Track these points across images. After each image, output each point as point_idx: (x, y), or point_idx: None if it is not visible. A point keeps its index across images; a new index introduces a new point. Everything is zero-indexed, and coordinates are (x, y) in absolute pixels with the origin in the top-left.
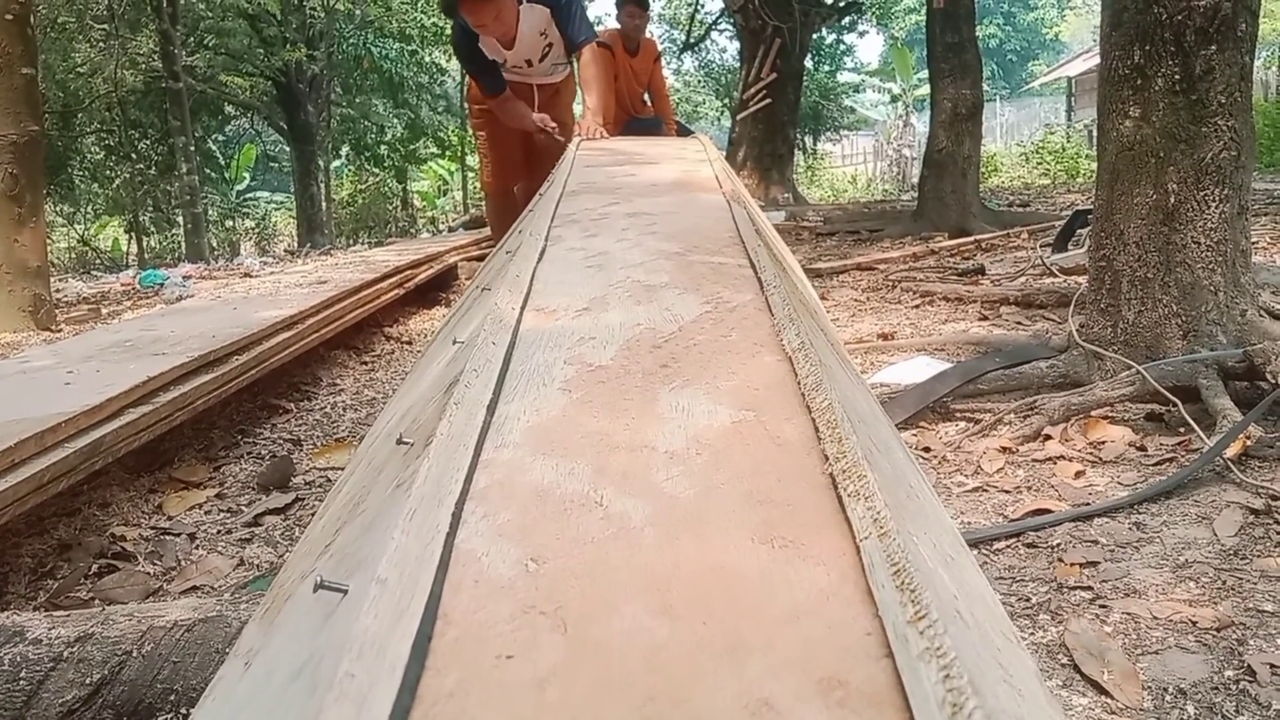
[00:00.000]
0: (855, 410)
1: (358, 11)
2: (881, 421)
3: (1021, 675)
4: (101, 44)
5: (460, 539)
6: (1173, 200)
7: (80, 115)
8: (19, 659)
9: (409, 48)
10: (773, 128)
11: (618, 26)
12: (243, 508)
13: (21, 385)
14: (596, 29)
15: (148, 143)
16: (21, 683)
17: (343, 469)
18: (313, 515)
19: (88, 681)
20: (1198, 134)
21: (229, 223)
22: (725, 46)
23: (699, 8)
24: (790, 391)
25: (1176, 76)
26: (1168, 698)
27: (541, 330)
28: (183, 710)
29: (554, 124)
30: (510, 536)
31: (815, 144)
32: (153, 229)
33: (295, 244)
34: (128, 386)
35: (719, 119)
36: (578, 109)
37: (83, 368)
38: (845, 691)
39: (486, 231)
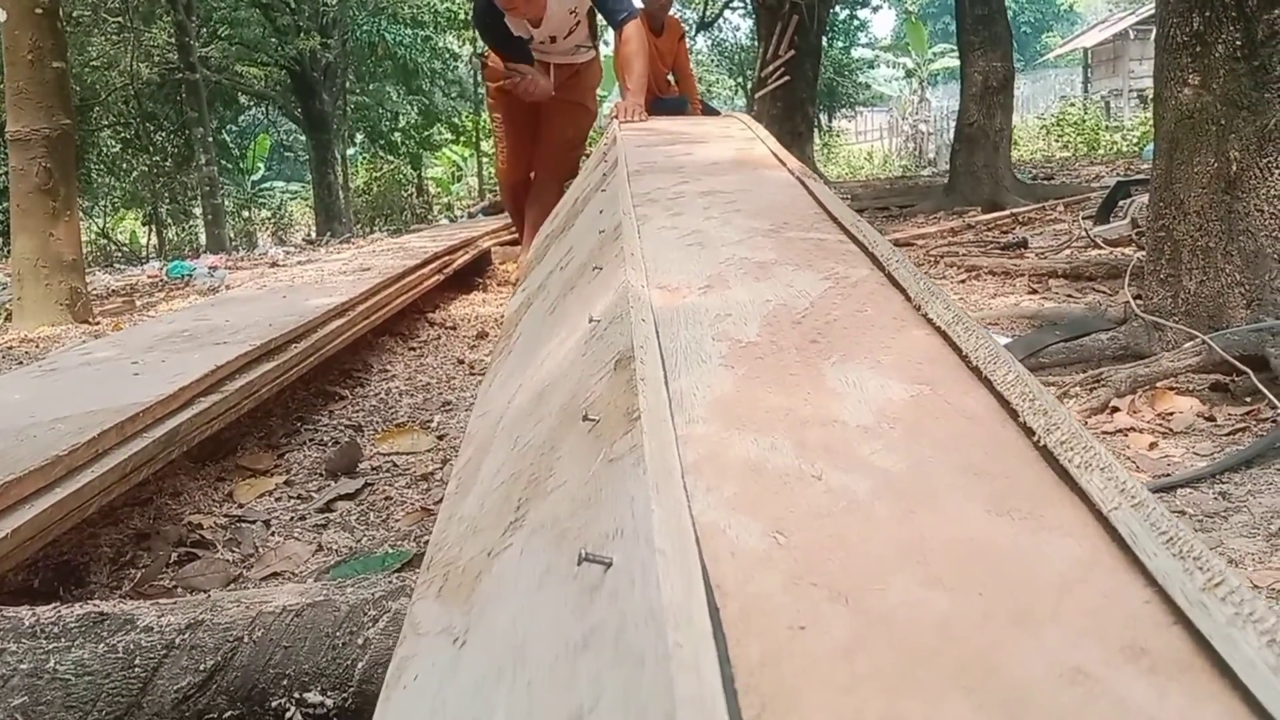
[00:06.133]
0: None
1: None
2: None
3: None
4: (116, 37)
5: (696, 512)
6: (1234, 168)
7: (96, 109)
8: (132, 646)
9: (422, 33)
10: (791, 105)
11: (642, 6)
12: (313, 494)
13: (89, 376)
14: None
15: (164, 135)
16: (136, 670)
17: (407, 454)
18: (387, 500)
19: (201, 668)
20: (1260, 100)
21: (245, 213)
22: (738, 25)
23: None
24: (954, 365)
25: (1238, 42)
26: None
27: (674, 307)
28: (295, 694)
29: (552, 91)
30: (743, 510)
31: (830, 121)
32: (170, 221)
33: (313, 233)
34: (198, 375)
35: (733, 98)
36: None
37: (147, 358)
38: (1151, 658)
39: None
